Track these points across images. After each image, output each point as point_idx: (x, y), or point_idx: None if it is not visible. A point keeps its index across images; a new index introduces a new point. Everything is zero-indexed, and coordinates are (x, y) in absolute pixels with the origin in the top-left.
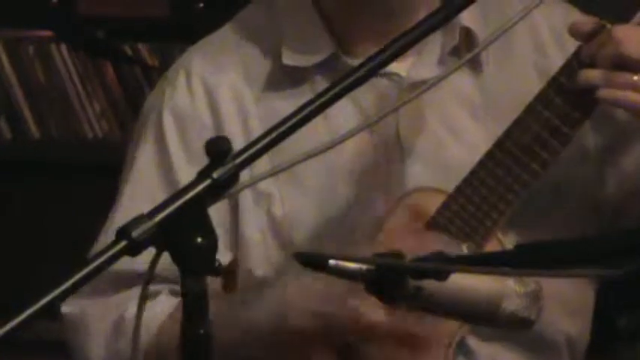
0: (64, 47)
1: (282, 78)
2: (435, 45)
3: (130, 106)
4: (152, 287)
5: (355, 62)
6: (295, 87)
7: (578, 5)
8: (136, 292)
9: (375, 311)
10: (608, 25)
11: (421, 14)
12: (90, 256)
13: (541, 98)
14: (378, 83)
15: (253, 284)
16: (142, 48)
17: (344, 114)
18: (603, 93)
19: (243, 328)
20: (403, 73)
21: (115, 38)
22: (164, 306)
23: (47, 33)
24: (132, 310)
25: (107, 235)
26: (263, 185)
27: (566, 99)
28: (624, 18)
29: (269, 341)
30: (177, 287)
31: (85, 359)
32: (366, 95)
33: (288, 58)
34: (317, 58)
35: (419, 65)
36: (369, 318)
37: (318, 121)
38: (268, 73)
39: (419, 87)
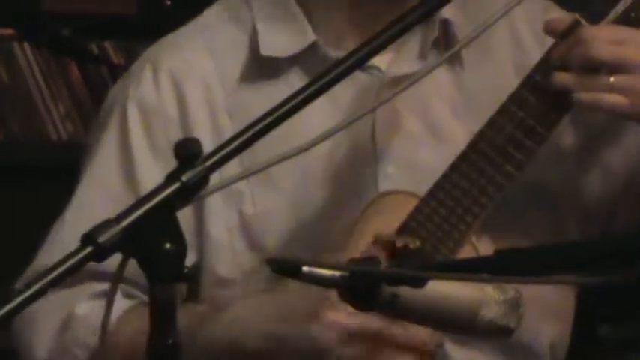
0: (27, 46)
1: (256, 71)
2: (415, 38)
3: (96, 106)
4: (104, 286)
5: (336, 53)
6: (269, 80)
7: (558, 2)
8: (86, 287)
9: (326, 332)
10: (583, 22)
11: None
12: (39, 262)
13: (515, 98)
14: (357, 78)
15: (211, 301)
16: (109, 46)
17: (320, 110)
18: (579, 97)
19: (200, 347)
20: (383, 67)
21: (80, 36)
22: (117, 306)
23: (9, 31)
24: (81, 306)
25: (58, 236)
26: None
27: (540, 98)
28: (601, 15)
29: None
30: (132, 290)
31: (31, 353)
32: (344, 90)
33: (265, 49)
34: (296, 48)
35: (399, 59)
36: (323, 339)
37: (292, 121)
38: (240, 65)
39: (399, 82)
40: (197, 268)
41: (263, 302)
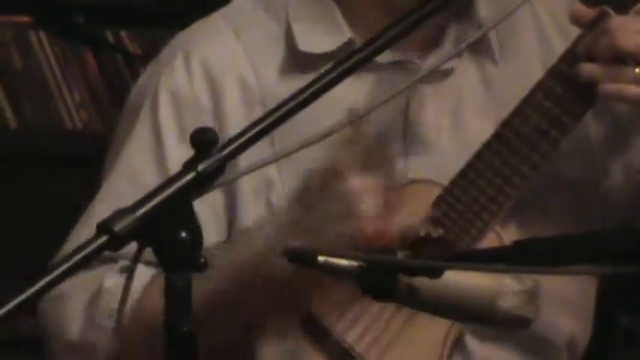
0: (42, 33)
1: (292, 64)
2: (450, 38)
3: (112, 95)
4: (126, 262)
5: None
6: (306, 74)
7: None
8: (111, 267)
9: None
10: (611, 12)
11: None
12: (67, 248)
13: (541, 87)
14: (395, 72)
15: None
16: (124, 35)
17: (357, 101)
18: (605, 88)
19: (229, 273)
20: (420, 63)
21: (96, 24)
22: (141, 276)
23: (25, 18)
24: (109, 280)
25: (86, 225)
26: (263, 172)
27: (566, 88)
28: (626, 6)
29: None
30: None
31: (64, 333)
32: (382, 83)
33: (303, 44)
34: (333, 45)
35: (436, 57)
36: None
37: (328, 110)
38: (276, 58)
39: (433, 75)
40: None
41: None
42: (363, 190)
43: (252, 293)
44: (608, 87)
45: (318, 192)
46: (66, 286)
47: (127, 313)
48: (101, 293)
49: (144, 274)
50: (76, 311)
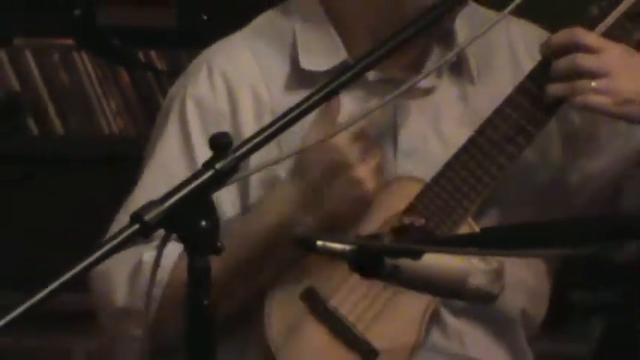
0: (84, 54)
1: (297, 79)
2: (434, 58)
3: (143, 105)
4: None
5: (366, 72)
6: (308, 89)
7: (551, 19)
8: (148, 245)
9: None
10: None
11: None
12: (111, 233)
13: (509, 101)
14: (382, 88)
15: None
16: (153, 55)
17: (350, 114)
18: (571, 100)
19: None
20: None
21: (129, 46)
22: (174, 247)
23: (70, 41)
24: (148, 254)
25: (125, 214)
26: (271, 170)
27: (531, 102)
28: (592, 27)
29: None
30: None
31: (110, 302)
32: (370, 97)
33: (305, 63)
34: (330, 64)
35: (418, 75)
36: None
37: None
38: (283, 74)
39: (417, 94)
40: None
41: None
42: (367, 179)
43: (264, 263)
44: (574, 99)
45: (319, 165)
46: (110, 261)
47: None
48: (141, 266)
49: (176, 247)
50: (120, 282)
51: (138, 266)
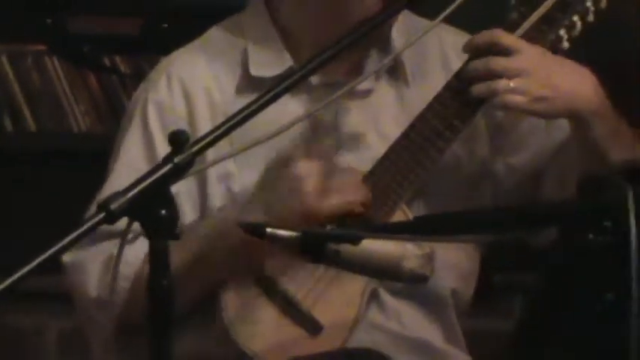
0: (56, 59)
1: (247, 84)
2: (373, 62)
3: (108, 105)
4: (131, 234)
5: (310, 76)
6: (257, 92)
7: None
8: (117, 241)
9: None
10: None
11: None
12: (84, 219)
13: (438, 98)
14: (324, 89)
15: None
16: (118, 60)
17: (293, 112)
18: (495, 101)
19: (210, 263)
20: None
21: (96, 52)
22: (144, 246)
23: (42, 47)
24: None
25: (98, 198)
26: (224, 165)
27: (458, 99)
28: (515, 26)
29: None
30: None
31: (84, 293)
32: (315, 98)
33: (254, 70)
34: (277, 70)
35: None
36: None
37: (274, 120)
38: (235, 80)
39: (357, 95)
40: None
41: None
42: (307, 173)
43: (215, 256)
44: (495, 99)
45: (272, 176)
46: (84, 254)
47: (132, 272)
48: (112, 261)
49: (145, 243)
50: (93, 274)
51: (110, 261)
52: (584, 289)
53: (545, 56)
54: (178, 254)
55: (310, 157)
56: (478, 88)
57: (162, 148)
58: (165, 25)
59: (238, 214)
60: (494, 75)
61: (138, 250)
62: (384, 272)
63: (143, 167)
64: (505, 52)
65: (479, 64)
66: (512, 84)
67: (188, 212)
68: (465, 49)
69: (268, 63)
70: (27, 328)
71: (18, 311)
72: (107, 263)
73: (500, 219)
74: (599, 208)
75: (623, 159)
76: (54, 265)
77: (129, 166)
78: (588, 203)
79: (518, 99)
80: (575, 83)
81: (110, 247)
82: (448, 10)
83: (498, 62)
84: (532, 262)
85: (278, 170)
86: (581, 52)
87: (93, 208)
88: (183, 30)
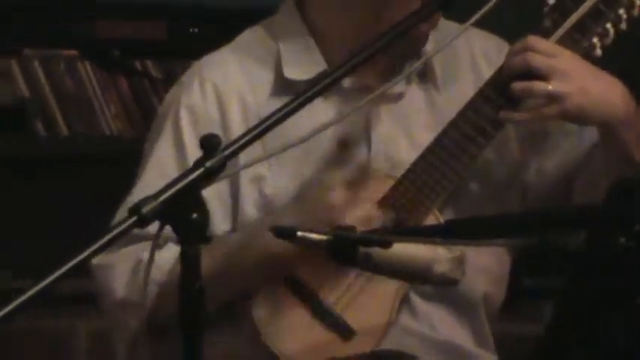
0: (87, 63)
1: (281, 87)
2: (406, 68)
3: (139, 109)
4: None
5: (343, 79)
6: (290, 95)
7: (508, 30)
8: (147, 244)
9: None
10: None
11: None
12: (112, 225)
13: (471, 104)
14: (357, 94)
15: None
16: (149, 64)
17: (326, 116)
18: (526, 115)
19: (239, 271)
20: (378, 87)
21: (127, 56)
22: (173, 251)
23: (74, 52)
24: (147, 255)
25: (127, 207)
26: (257, 168)
27: (490, 106)
28: (546, 34)
29: (253, 261)
30: None
31: (111, 294)
32: (347, 102)
33: (288, 73)
34: (310, 73)
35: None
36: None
37: (306, 123)
38: (268, 83)
39: (389, 99)
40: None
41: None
42: (333, 184)
43: (245, 261)
44: (523, 116)
45: (309, 200)
46: (112, 257)
47: (160, 278)
48: (141, 264)
49: (175, 248)
50: (121, 277)
51: (138, 264)
52: (614, 293)
53: (579, 61)
54: (208, 259)
55: (340, 167)
56: (517, 85)
57: (194, 153)
58: (195, 30)
59: (269, 221)
60: (531, 72)
61: (167, 255)
62: (415, 276)
63: (173, 172)
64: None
65: (518, 58)
66: (550, 87)
67: (219, 216)
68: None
69: (301, 65)
70: (58, 331)
71: (49, 314)
72: (135, 266)
73: (531, 223)
74: (630, 212)
75: None
76: (84, 268)
77: (159, 170)
78: (619, 207)
79: (553, 110)
80: (605, 91)
81: (138, 250)
82: (479, 14)
83: (537, 59)
84: (562, 267)
85: (315, 193)
86: (612, 60)
87: (122, 212)
88: (212, 34)
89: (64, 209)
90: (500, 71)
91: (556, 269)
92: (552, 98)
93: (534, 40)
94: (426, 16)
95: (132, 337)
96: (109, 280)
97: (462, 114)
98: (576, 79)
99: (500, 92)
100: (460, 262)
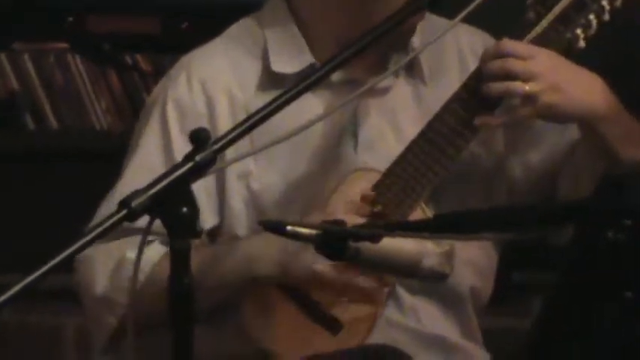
0: (77, 57)
1: (268, 81)
2: (392, 61)
3: (130, 103)
4: (148, 238)
5: (332, 74)
6: (278, 89)
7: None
8: (133, 240)
9: (322, 264)
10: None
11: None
12: (98, 218)
13: (455, 98)
14: (345, 87)
15: (224, 240)
16: (139, 58)
17: (315, 111)
18: (502, 119)
19: (217, 277)
20: (366, 81)
21: (118, 50)
22: (156, 251)
23: (64, 45)
24: (130, 252)
25: (110, 202)
26: (244, 163)
27: (474, 98)
28: (519, 36)
29: (238, 286)
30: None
31: (91, 289)
32: (335, 95)
33: (276, 66)
34: (298, 67)
35: (379, 76)
36: (317, 268)
37: (294, 118)
38: (255, 75)
39: (376, 92)
40: (217, 229)
41: (269, 238)
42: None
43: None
44: (505, 120)
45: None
46: (95, 252)
47: (143, 277)
48: (124, 261)
49: (159, 249)
50: (103, 273)
51: (121, 261)
52: (603, 287)
53: (556, 60)
54: (195, 259)
55: (328, 164)
56: (494, 87)
57: (180, 148)
58: (186, 24)
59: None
60: (509, 76)
61: (150, 254)
62: (404, 270)
63: (159, 166)
64: (519, 58)
65: (496, 64)
66: (527, 87)
67: (207, 211)
68: (480, 63)
69: (289, 59)
70: (45, 326)
71: (36, 309)
72: (118, 263)
73: (519, 217)
74: (618, 206)
75: (637, 159)
76: (72, 263)
77: (144, 165)
78: (607, 201)
79: (528, 111)
80: (584, 89)
81: (122, 245)
82: (467, 10)
83: (514, 64)
84: (550, 261)
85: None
86: (595, 53)
87: (107, 205)
88: (204, 29)
89: (52, 203)
90: (481, 65)
91: (545, 263)
92: (527, 98)
93: (509, 44)
94: (417, 10)
95: (108, 334)
96: (91, 275)
97: (447, 107)
98: (550, 77)
99: (477, 93)
100: (449, 256)
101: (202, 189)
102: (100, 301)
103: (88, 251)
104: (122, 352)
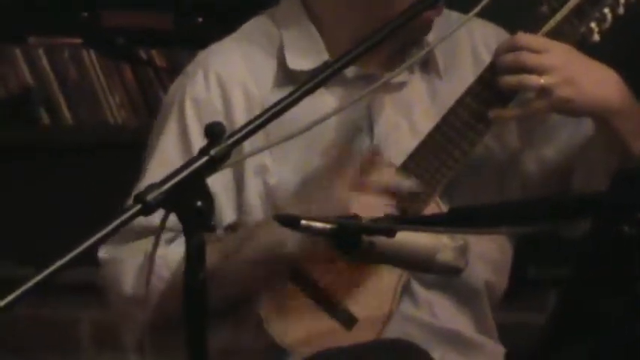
0: (92, 52)
1: (284, 77)
2: (408, 57)
3: (144, 98)
4: (169, 234)
5: (346, 69)
6: (293, 85)
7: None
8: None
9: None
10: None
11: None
12: (118, 213)
13: (470, 91)
14: (360, 82)
15: (243, 229)
16: (154, 53)
17: (330, 105)
18: (516, 112)
19: (240, 261)
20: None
21: (132, 45)
22: (182, 247)
23: (79, 40)
24: (158, 249)
25: (135, 191)
26: (260, 158)
27: (488, 91)
28: (533, 30)
29: (261, 270)
30: None
31: (120, 289)
32: (350, 90)
33: (292, 63)
34: (313, 64)
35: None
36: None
37: (309, 113)
38: (271, 72)
39: (392, 87)
40: (238, 223)
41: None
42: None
43: (246, 252)
44: (521, 111)
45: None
46: (121, 252)
47: (168, 275)
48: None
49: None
50: (130, 272)
51: (146, 259)
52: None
53: (570, 54)
54: (211, 251)
55: (343, 159)
56: (509, 80)
57: (199, 144)
58: (200, 19)
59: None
60: (524, 69)
61: (177, 250)
62: (419, 264)
63: (178, 164)
64: (534, 51)
65: (510, 57)
66: (542, 80)
67: (225, 205)
68: (494, 57)
69: (304, 56)
70: (61, 320)
71: (52, 303)
72: (144, 261)
73: (534, 211)
74: (633, 200)
75: None
76: (88, 257)
77: (164, 162)
78: (622, 195)
79: (542, 104)
80: (599, 83)
81: (148, 244)
82: (482, 4)
83: (529, 57)
84: (565, 255)
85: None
86: (609, 46)
87: (129, 199)
88: (217, 24)
89: (68, 198)
90: (495, 59)
91: (560, 258)
92: (542, 91)
93: (523, 38)
94: (433, 3)
95: (141, 333)
96: (118, 275)
97: (461, 101)
98: (564, 71)
99: (492, 86)
100: (463, 250)
101: (222, 186)
102: (130, 299)
103: (114, 252)
104: (154, 348)
